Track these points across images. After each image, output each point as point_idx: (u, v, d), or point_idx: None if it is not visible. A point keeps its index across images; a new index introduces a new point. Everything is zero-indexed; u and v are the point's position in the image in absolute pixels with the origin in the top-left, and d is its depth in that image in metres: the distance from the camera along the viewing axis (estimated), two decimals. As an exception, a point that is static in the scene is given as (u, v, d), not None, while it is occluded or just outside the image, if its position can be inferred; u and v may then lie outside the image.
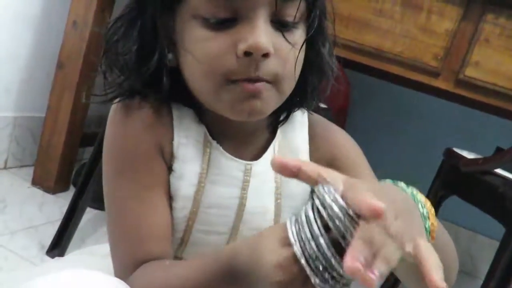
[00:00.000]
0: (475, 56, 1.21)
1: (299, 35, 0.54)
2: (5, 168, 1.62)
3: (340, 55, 1.37)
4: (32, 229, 1.31)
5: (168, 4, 0.54)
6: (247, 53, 0.50)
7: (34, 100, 1.66)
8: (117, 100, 0.58)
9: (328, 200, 0.38)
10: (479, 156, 1.19)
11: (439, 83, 1.25)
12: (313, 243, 0.37)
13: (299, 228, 0.39)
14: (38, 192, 1.54)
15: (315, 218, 0.38)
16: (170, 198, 0.58)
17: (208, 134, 0.60)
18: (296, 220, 0.40)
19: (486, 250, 2.08)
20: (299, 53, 0.54)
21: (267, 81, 0.52)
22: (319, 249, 0.37)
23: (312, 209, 0.39)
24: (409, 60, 1.26)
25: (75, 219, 1.24)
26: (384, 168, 2.45)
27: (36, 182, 1.57)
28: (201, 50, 0.52)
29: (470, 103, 1.38)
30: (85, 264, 0.69)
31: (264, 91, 0.52)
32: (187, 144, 0.59)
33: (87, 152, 1.83)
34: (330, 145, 0.66)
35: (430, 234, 0.48)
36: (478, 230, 2.13)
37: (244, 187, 0.60)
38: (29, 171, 1.60)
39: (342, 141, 0.68)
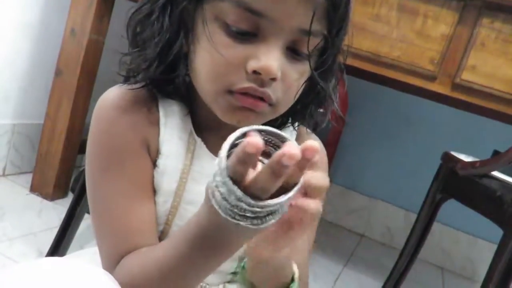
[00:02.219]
0: (471, 60, 1.21)
1: (308, 66, 0.55)
2: (3, 175, 1.62)
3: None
4: (31, 236, 1.31)
5: None
6: (255, 72, 0.51)
7: (33, 107, 1.67)
8: (136, 86, 0.59)
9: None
10: (476, 159, 1.19)
11: (435, 87, 1.25)
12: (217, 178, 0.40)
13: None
14: (36, 199, 1.54)
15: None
16: (154, 191, 0.59)
17: (193, 132, 0.61)
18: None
19: (486, 254, 2.08)
20: (303, 84, 0.56)
21: (267, 102, 0.54)
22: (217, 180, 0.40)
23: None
24: (406, 65, 1.26)
25: (73, 225, 1.23)
26: (382, 172, 2.47)
27: (35, 189, 1.57)
28: (214, 54, 0.53)
29: (467, 106, 1.39)
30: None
31: (262, 109, 0.54)
32: (171, 140, 0.60)
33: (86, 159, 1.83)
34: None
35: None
36: (477, 234, 2.13)
37: None
38: (28, 178, 1.60)
39: (322, 168, 0.69)
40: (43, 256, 1.22)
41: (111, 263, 0.56)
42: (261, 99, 0.53)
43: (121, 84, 0.61)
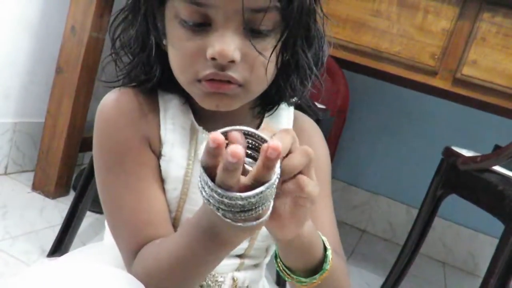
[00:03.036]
0: (472, 55, 1.21)
1: (270, 41, 0.57)
2: (5, 173, 1.63)
3: (337, 56, 1.38)
4: (33, 233, 1.31)
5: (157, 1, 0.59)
6: (214, 58, 0.54)
7: (34, 105, 1.67)
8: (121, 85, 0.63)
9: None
10: (477, 154, 1.19)
11: (436, 82, 1.25)
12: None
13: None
14: (38, 197, 1.54)
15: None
16: (162, 181, 0.62)
17: (194, 121, 0.64)
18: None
19: (488, 248, 2.08)
20: (268, 60, 0.57)
21: (235, 83, 0.56)
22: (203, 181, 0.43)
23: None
24: (407, 60, 1.26)
25: (75, 223, 1.24)
26: (383, 168, 2.47)
27: (37, 187, 1.57)
28: (177, 48, 0.57)
29: (468, 101, 1.39)
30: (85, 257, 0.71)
31: (230, 90, 0.56)
32: (174, 129, 0.63)
33: (87, 157, 1.84)
34: (308, 143, 0.69)
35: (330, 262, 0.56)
36: (479, 229, 2.14)
37: None
38: (30, 176, 1.60)
39: (321, 154, 0.71)
40: (46, 254, 1.23)
41: (129, 258, 0.58)
42: (228, 82, 0.56)
43: (119, 88, 0.64)
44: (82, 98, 1.55)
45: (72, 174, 1.62)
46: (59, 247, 1.23)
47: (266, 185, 0.41)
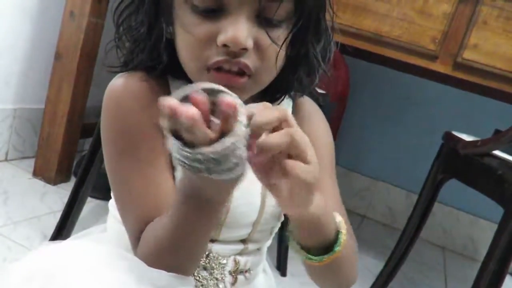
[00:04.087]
0: (473, 39, 1.20)
1: (283, 31, 0.56)
2: (6, 160, 1.63)
3: (338, 40, 1.37)
4: (35, 219, 1.32)
5: None
6: (226, 45, 0.53)
7: (33, 91, 1.67)
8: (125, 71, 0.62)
9: None
10: (478, 139, 1.19)
11: (437, 67, 1.25)
12: None
13: None
14: (39, 183, 1.54)
15: None
16: (172, 168, 0.61)
17: None
18: None
19: (487, 233, 2.09)
20: (279, 49, 0.56)
21: (245, 73, 0.55)
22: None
23: None
24: (407, 44, 1.26)
25: (77, 208, 1.24)
26: (383, 154, 2.47)
27: (37, 173, 1.58)
28: (187, 34, 0.55)
29: (469, 86, 1.38)
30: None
31: (239, 83, 0.55)
32: None
33: (88, 143, 1.84)
34: (308, 129, 0.68)
35: (341, 244, 0.57)
36: (479, 214, 2.14)
37: None
38: (30, 162, 1.60)
39: (321, 132, 0.71)
40: (47, 240, 1.24)
41: (135, 241, 0.59)
42: (239, 74, 0.55)
43: (127, 73, 0.63)
44: (82, 84, 1.54)
45: (73, 160, 1.63)
46: (61, 232, 1.24)
47: (230, 133, 0.42)
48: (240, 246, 0.67)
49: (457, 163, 1.23)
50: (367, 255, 1.80)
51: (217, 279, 0.65)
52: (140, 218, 0.58)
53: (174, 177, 0.62)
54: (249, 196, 0.64)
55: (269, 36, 0.54)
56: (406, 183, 2.21)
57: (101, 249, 0.55)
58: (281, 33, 0.56)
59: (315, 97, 0.75)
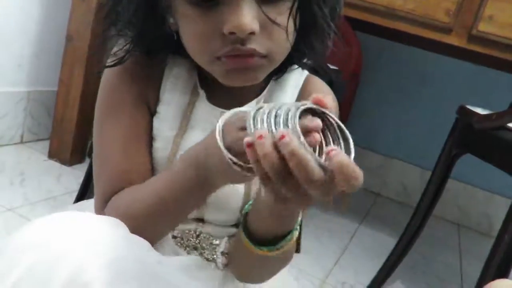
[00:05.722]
0: (488, 10, 1.17)
1: (285, 4, 0.54)
2: (21, 142, 1.65)
3: (350, 15, 1.35)
4: (51, 200, 1.34)
5: None
6: (232, 33, 0.52)
7: (46, 74, 1.68)
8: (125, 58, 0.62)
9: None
10: (492, 112, 1.17)
11: (451, 40, 1.23)
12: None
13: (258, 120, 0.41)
14: (55, 165, 1.57)
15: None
16: (152, 139, 0.63)
17: (198, 84, 0.64)
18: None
19: (503, 210, 2.07)
20: (287, 25, 0.54)
21: (259, 55, 0.54)
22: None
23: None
24: (421, 17, 1.23)
25: (92, 189, 1.26)
26: (397, 131, 2.45)
27: (53, 155, 1.59)
28: (189, 29, 0.55)
29: (483, 59, 1.35)
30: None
31: (255, 63, 0.54)
32: (174, 89, 0.63)
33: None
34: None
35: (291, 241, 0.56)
36: (494, 190, 2.12)
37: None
38: (45, 144, 1.62)
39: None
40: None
41: (102, 202, 0.60)
42: (251, 55, 0.54)
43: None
44: (94, 65, 1.55)
45: (87, 141, 1.64)
46: (77, 212, 1.26)
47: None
48: (233, 230, 0.67)
49: (472, 138, 1.21)
50: (381, 232, 1.80)
51: (207, 259, 0.65)
52: (112, 181, 0.60)
53: (153, 148, 0.63)
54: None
55: (268, 17, 0.52)
56: (420, 160, 2.19)
57: (98, 218, 0.55)
58: (284, 6, 0.54)
59: (327, 73, 0.74)
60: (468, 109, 1.21)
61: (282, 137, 0.36)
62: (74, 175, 1.52)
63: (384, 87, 2.20)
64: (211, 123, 0.62)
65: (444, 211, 2.11)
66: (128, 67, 0.62)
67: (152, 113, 0.64)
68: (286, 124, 0.39)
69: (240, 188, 0.64)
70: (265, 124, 0.39)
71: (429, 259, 1.72)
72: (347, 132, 0.42)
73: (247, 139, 0.39)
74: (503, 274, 1.00)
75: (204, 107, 0.64)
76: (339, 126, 0.43)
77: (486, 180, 2.11)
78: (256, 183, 0.63)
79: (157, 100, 0.63)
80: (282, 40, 0.55)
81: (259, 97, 0.66)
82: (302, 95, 0.67)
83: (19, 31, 1.56)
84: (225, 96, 0.63)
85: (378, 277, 1.37)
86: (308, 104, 0.42)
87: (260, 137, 0.38)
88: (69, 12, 1.51)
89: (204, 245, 0.65)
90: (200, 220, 0.66)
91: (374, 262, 1.43)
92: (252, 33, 0.52)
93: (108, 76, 0.64)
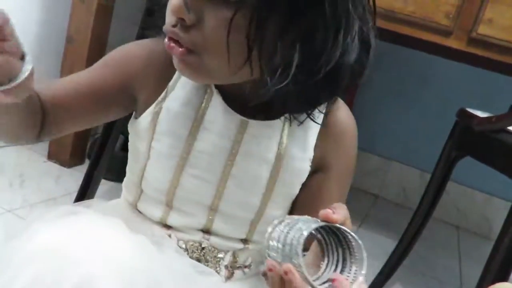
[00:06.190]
0: (488, 13, 1.17)
1: (240, 14, 0.49)
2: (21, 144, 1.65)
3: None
4: (51, 201, 1.34)
5: None
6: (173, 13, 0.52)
7: (46, 75, 1.67)
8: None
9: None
10: (492, 115, 1.17)
11: (451, 42, 1.22)
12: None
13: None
14: (54, 166, 1.56)
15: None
16: (154, 132, 0.63)
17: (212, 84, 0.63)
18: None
19: (502, 213, 2.07)
20: (229, 32, 0.49)
21: (187, 48, 0.52)
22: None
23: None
24: (421, 20, 1.23)
25: (91, 190, 1.26)
26: (397, 133, 2.45)
27: (52, 156, 1.59)
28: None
29: (483, 62, 1.35)
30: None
31: (180, 55, 0.53)
32: (186, 87, 0.62)
33: (101, 126, 1.85)
34: (335, 151, 0.68)
35: None
36: (493, 192, 2.12)
37: (237, 141, 0.62)
38: (45, 146, 1.62)
39: (347, 150, 0.70)
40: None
41: None
42: (180, 45, 0.53)
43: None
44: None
45: (87, 143, 1.64)
46: (76, 213, 1.25)
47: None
48: (240, 245, 0.66)
49: (472, 140, 1.21)
50: (381, 234, 1.80)
51: None
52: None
53: (163, 143, 0.63)
54: (206, 176, 0.63)
55: (220, 18, 0.50)
56: (419, 162, 2.19)
57: (103, 222, 0.55)
58: (234, 16, 0.48)
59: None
60: (468, 111, 1.21)
61: (286, 273, 0.45)
62: (74, 177, 1.51)
63: (384, 89, 2.20)
64: (228, 129, 0.61)
65: (443, 213, 2.11)
66: (151, 44, 0.63)
67: (135, 98, 0.64)
68: (295, 252, 0.46)
69: (256, 200, 0.63)
70: (280, 245, 0.47)
71: (429, 262, 1.72)
72: (361, 245, 0.51)
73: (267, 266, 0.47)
74: (503, 277, 1.00)
75: (219, 109, 0.62)
76: (353, 237, 0.51)
77: (485, 183, 2.11)
78: (274, 201, 0.64)
79: (159, 93, 0.62)
80: (216, 46, 0.51)
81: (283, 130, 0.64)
82: (325, 134, 0.66)
83: (19, 32, 1.54)
84: (237, 97, 0.61)
85: (378, 280, 1.37)
86: (319, 224, 0.48)
87: (270, 270, 0.47)
88: (69, 14, 1.51)
89: (208, 257, 0.64)
90: (206, 231, 0.65)
91: (374, 265, 1.43)
92: (183, 19, 0.51)
93: (122, 47, 0.65)
